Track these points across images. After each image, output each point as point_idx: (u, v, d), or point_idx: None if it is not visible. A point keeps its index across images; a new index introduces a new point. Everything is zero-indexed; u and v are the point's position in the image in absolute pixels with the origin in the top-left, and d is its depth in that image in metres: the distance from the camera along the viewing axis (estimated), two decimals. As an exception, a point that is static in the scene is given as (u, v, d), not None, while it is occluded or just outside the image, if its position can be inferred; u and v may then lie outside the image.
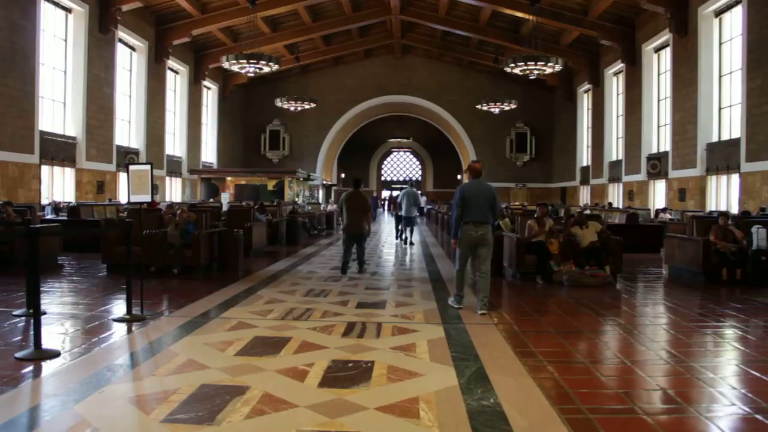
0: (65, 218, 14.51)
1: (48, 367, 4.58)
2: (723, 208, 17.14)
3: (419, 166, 51.54)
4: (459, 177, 44.00)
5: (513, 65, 20.27)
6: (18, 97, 15.78)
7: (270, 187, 29.09)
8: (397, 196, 16.17)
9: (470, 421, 3.56)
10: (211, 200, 25.41)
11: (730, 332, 6.20)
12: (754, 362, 4.94)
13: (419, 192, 46.55)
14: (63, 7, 18.57)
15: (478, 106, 29.92)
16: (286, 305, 7.14)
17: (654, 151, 22.60)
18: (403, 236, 16.55)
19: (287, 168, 32.39)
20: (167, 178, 25.37)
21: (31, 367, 4.55)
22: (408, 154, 51.64)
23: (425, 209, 35.59)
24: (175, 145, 26.88)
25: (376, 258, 13.31)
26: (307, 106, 29.79)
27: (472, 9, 25.49)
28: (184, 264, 9.91)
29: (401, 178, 51.01)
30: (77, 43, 19.02)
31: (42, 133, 16.95)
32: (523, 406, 3.81)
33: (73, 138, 18.91)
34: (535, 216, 10.23)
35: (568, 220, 10.39)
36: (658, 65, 22.77)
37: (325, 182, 37.36)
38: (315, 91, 32.76)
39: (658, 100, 22.77)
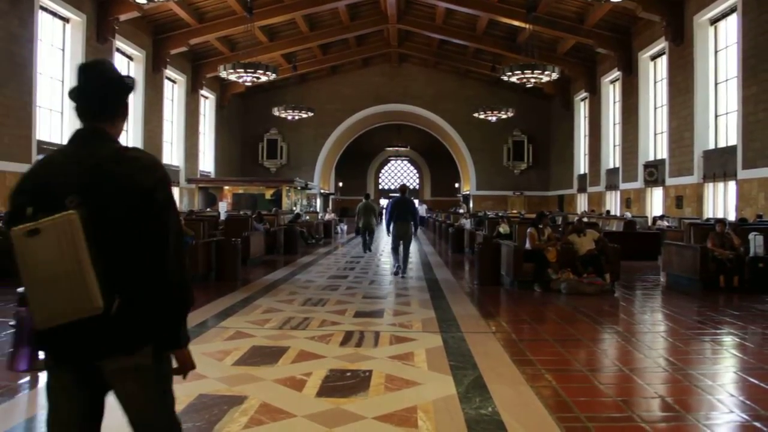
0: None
1: (44, 377, 4.55)
2: (720, 215, 17.17)
3: (417, 175, 51.60)
4: (457, 185, 44.04)
5: (510, 74, 20.33)
6: (15, 107, 15.78)
7: (268, 196, 29.08)
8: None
9: (468, 430, 3.55)
10: (208, 209, 25.39)
11: (728, 339, 6.21)
12: (753, 369, 4.93)
13: (416, 200, 46.74)
14: (60, 17, 18.60)
15: (475, 115, 29.98)
16: (284, 314, 7.13)
17: (651, 158, 22.65)
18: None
19: (285, 177, 32.40)
20: (165, 188, 25.34)
21: (27, 378, 4.53)
22: (405, 162, 51.70)
23: (425, 218, 35.56)
24: (172, 154, 26.87)
25: (374, 267, 13.30)
26: (304, 115, 29.83)
27: (468, 18, 25.58)
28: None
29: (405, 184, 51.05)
30: (75, 52, 19.03)
31: (39, 142, 16.93)
32: (521, 414, 3.80)
33: (71, 147, 18.90)
34: (537, 225, 10.22)
35: (567, 229, 10.41)
36: (655, 73, 22.85)
37: (322, 191, 37.36)
38: (312, 100, 32.82)
39: (655, 108, 22.84)
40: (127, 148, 1.90)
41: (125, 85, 1.99)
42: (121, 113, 2.00)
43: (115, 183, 1.80)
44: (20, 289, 1.78)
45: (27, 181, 1.86)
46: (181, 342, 1.91)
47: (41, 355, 1.91)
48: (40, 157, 2.18)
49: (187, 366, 1.94)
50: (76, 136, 1.90)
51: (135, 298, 1.80)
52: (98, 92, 1.92)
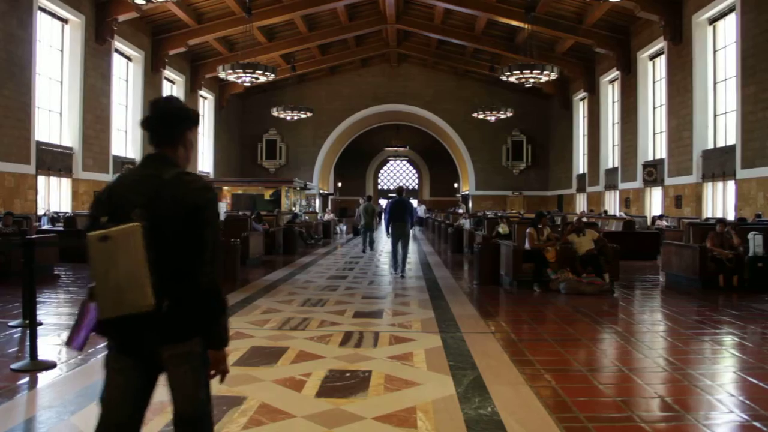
0: (61, 228, 14.48)
1: (44, 378, 4.56)
2: (719, 214, 17.18)
3: (416, 175, 51.57)
4: (456, 185, 44.04)
5: (509, 74, 20.32)
6: (14, 108, 15.76)
7: (267, 197, 29.05)
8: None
9: (468, 430, 3.55)
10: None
11: (727, 339, 6.21)
12: (752, 369, 4.94)
13: (415, 200, 46.79)
14: (59, 18, 18.58)
15: (474, 115, 29.97)
16: (283, 315, 7.13)
17: (650, 158, 22.66)
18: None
19: (284, 177, 32.37)
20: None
21: (27, 379, 4.53)
22: (405, 162, 51.67)
23: (424, 218, 35.59)
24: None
25: (373, 267, 13.29)
26: (303, 116, 29.81)
27: (467, 18, 25.57)
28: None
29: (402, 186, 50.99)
30: (74, 53, 19.03)
31: (38, 143, 16.92)
32: (520, 414, 3.80)
33: (70, 148, 18.89)
34: (537, 225, 10.21)
35: (566, 228, 10.41)
36: (653, 73, 22.86)
37: (321, 191, 37.35)
38: (311, 100, 32.81)
39: (654, 108, 22.85)
40: (186, 173, 2.26)
41: (186, 118, 2.36)
42: (181, 142, 2.35)
43: (173, 202, 2.16)
44: (91, 285, 2.12)
45: (104, 194, 2.27)
46: (215, 344, 2.25)
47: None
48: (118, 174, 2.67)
49: (220, 367, 2.28)
50: (146, 159, 2.31)
51: (182, 299, 2.13)
52: (161, 123, 2.32)
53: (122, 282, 2.04)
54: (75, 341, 2.18)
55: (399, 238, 11.62)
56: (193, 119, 2.40)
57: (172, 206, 2.15)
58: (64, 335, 6.10)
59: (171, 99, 2.40)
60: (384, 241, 12.22)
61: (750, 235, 9.71)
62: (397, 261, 11.60)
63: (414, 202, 45.16)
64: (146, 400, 2.29)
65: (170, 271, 2.12)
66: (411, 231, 11.96)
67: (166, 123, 2.33)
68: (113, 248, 2.05)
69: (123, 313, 2.06)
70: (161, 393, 4.17)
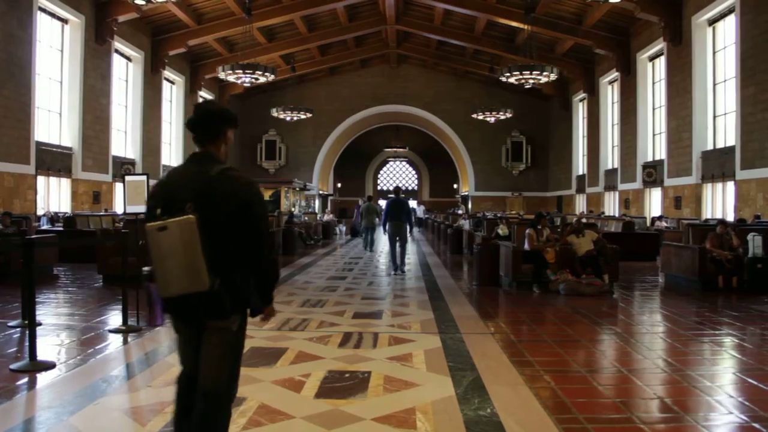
0: (61, 229, 14.47)
1: (43, 378, 4.55)
2: (719, 215, 17.18)
3: (415, 176, 51.56)
4: (455, 186, 44.05)
5: (508, 74, 20.31)
6: (14, 108, 15.76)
7: (266, 197, 29.04)
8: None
9: (467, 431, 3.55)
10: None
11: (727, 340, 6.21)
12: (751, 370, 4.94)
13: (414, 201, 46.78)
14: (59, 18, 18.58)
15: (474, 116, 29.96)
16: (283, 315, 7.12)
17: (649, 159, 22.66)
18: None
19: (283, 178, 32.35)
20: (163, 188, 25.31)
21: (26, 379, 4.52)
22: (404, 163, 51.65)
23: (423, 219, 35.60)
24: (171, 155, 26.86)
25: (372, 268, 13.30)
26: (303, 116, 29.80)
27: (467, 19, 25.57)
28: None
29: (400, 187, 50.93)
30: (73, 53, 19.03)
31: (38, 143, 16.92)
32: (520, 415, 3.80)
33: (69, 148, 18.89)
34: (536, 226, 10.21)
35: (565, 229, 10.40)
36: (653, 74, 22.87)
37: (321, 192, 37.34)
38: (311, 101, 32.80)
39: (653, 109, 22.85)
40: (229, 168, 2.57)
41: (226, 118, 2.68)
42: (223, 140, 2.68)
43: (221, 196, 2.48)
44: (146, 269, 2.79)
45: (157, 189, 2.61)
46: (271, 301, 2.72)
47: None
48: (168, 170, 2.99)
49: (271, 314, 2.76)
50: (193, 157, 2.64)
51: (230, 280, 2.48)
52: (205, 124, 2.64)
53: (181, 266, 2.37)
54: (157, 320, 2.80)
55: (397, 237, 11.95)
56: (232, 119, 2.72)
57: (221, 201, 2.48)
58: (63, 335, 6.10)
59: (212, 102, 2.79)
60: (384, 241, 12.55)
61: (749, 236, 9.71)
62: (396, 260, 11.87)
63: (413, 203, 45.32)
64: None
65: (220, 256, 2.45)
66: (409, 230, 12.21)
67: (209, 123, 2.64)
68: (171, 237, 2.38)
69: (182, 292, 2.41)
70: (161, 393, 4.17)
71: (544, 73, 20.11)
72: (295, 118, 29.92)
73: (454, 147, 36.76)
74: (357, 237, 24.21)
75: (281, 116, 29.45)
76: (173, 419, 2.73)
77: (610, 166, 26.68)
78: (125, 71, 23.05)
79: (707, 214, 18.21)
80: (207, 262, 2.38)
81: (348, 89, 34.65)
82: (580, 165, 30.79)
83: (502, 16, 23.24)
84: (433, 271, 12.43)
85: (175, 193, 2.50)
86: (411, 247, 17.79)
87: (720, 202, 17.94)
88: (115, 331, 6.18)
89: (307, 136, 34.66)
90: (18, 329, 6.24)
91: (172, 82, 26.72)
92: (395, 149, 45.35)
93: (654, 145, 22.80)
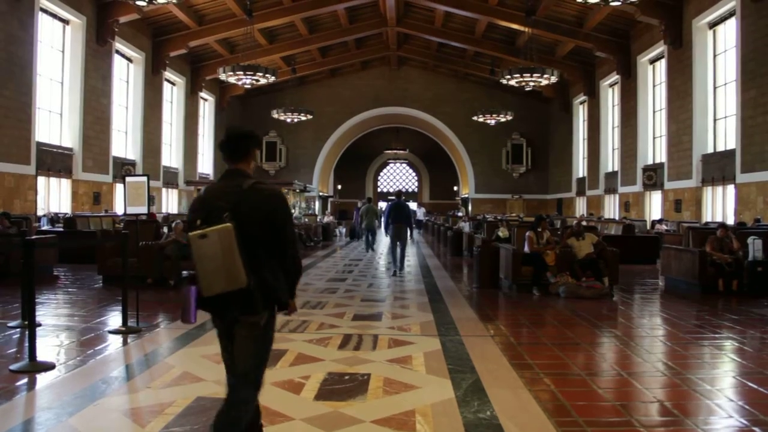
0: (61, 229, 14.47)
1: (43, 379, 4.55)
2: (719, 219, 17.16)
3: (416, 178, 51.56)
4: (455, 188, 44.04)
5: (509, 77, 20.32)
6: (15, 108, 15.77)
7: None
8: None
9: (467, 434, 3.55)
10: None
11: (727, 344, 6.21)
12: (751, 374, 4.93)
13: (415, 203, 46.76)
14: (61, 19, 18.59)
15: (474, 118, 29.94)
16: (282, 317, 7.11)
17: (650, 162, 22.65)
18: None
19: (284, 179, 32.32)
20: (164, 190, 25.32)
21: (25, 380, 4.52)
22: (404, 165, 51.65)
23: (423, 221, 35.60)
24: (171, 156, 26.85)
25: (372, 269, 13.29)
26: (303, 118, 29.80)
27: (467, 21, 25.59)
28: (180, 276, 9.89)
29: (401, 189, 50.89)
30: (74, 54, 19.03)
31: (38, 143, 16.92)
32: (519, 418, 3.80)
33: (70, 149, 18.89)
34: (536, 229, 10.19)
35: (565, 232, 10.40)
36: (653, 77, 22.87)
37: (321, 194, 37.33)
38: (311, 102, 32.79)
39: (654, 112, 22.85)
40: (258, 182, 2.95)
41: (252, 139, 3.13)
42: (251, 157, 3.09)
43: (252, 206, 2.85)
44: (185, 273, 3.85)
45: (197, 203, 3.00)
46: (293, 295, 3.02)
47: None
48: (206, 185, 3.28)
49: (293, 309, 3.03)
50: (227, 173, 3.02)
51: (261, 278, 2.80)
52: (234, 145, 3.05)
53: (221, 268, 2.69)
54: (190, 317, 2.85)
55: (397, 238, 12.30)
56: (257, 140, 3.22)
57: (253, 210, 2.84)
58: (63, 336, 6.09)
59: (240, 126, 3.25)
60: (385, 242, 12.82)
61: (749, 240, 9.70)
62: (396, 260, 12.20)
63: (413, 205, 45.30)
64: None
65: (253, 257, 2.77)
66: (409, 232, 12.63)
67: (239, 144, 3.06)
68: (212, 243, 2.70)
69: (224, 290, 2.71)
70: (161, 395, 4.17)
71: (545, 76, 20.12)
72: (295, 120, 29.92)
73: (454, 149, 36.75)
74: (356, 239, 24.21)
75: (282, 118, 29.44)
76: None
77: (610, 169, 26.68)
78: (126, 72, 23.06)
79: (707, 217, 18.20)
80: (243, 263, 2.70)
81: (348, 91, 34.65)
82: (580, 168, 30.78)
83: (503, 19, 23.25)
84: (433, 273, 12.43)
85: (213, 205, 2.84)
86: (411, 250, 17.81)
87: (720, 206, 17.93)
88: (115, 332, 6.18)
89: (307, 138, 34.66)
90: (18, 330, 6.24)
91: (172, 83, 26.72)
92: (395, 151, 45.34)
93: (654, 148, 22.80)
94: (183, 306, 2.87)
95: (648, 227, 19.14)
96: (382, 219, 16.06)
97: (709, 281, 9.59)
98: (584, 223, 14.18)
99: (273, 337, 2.99)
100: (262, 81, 20.95)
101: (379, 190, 51.14)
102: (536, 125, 34.81)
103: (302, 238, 19.06)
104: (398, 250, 12.29)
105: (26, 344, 4.98)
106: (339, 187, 46.23)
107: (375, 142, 44.11)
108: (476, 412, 3.90)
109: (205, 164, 30.89)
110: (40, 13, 17.06)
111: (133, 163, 22.73)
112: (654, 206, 22.39)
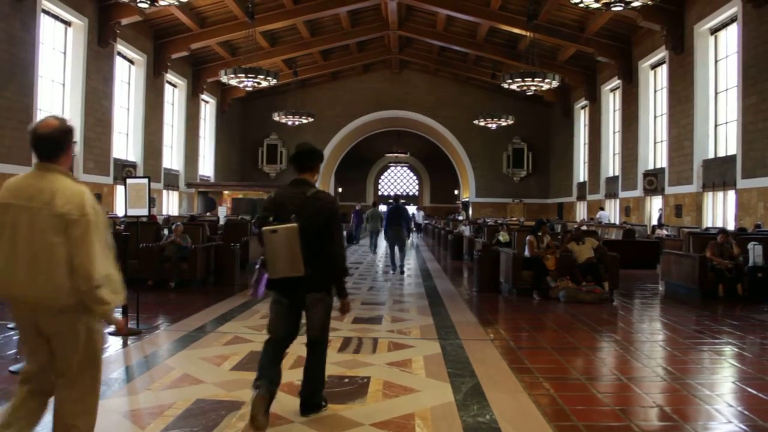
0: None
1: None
2: (719, 224, 17.16)
3: (416, 181, 51.57)
4: (456, 192, 44.04)
5: (510, 81, 20.34)
6: (16, 109, 15.78)
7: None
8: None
9: (466, 437, 3.54)
10: (208, 214, 25.36)
11: (726, 349, 6.20)
12: (751, 379, 4.93)
13: (414, 207, 46.72)
14: (62, 21, 18.61)
15: (475, 122, 29.97)
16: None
17: (651, 167, 22.65)
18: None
19: (284, 182, 32.28)
20: (164, 192, 25.32)
21: (25, 381, 4.51)
22: (405, 168, 51.66)
23: (422, 225, 35.60)
24: (172, 158, 26.86)
25: (372, 273, 13.29)
26: (304, 121, 29.82)
27: (469, 25, 25.62)
28: (180, 278, 9.89)
29: (401, 193, 50.81)
30: (76, 56, 19.05)
31: (39, 145, 16.92)
32: (519, 422, 3.80)
33: (71, 150, 18.89)
34: (536, 233, 10.20)
35: (566, 236, 10.40)
36: (655, 82, 22.88)
37: (322, 196, 37.33)
38: (313, 105, 32.81)
39: (655, 117, 22.85)
40: (320, 191, 3.75)
41: (318, 155, 3.92)
42: (315, 170, 3.86)
43: (313, 210, 3.61)
44: (263, 258, 3.61)
45: (270, 203, 3.77)
46: (343, 294, 3.79)
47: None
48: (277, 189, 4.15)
49: (346, 308, 3.85)
50: (295, 182, 3.81)
51: (318, 269, 3.59)
52: (303, 159, 3.84)
53: (286, 258, 3.44)
54: (258, 293, 3.65)
55: (396, 240, 13.11)
56: (322, 156, 3.98)
57: (314, 214, 3.59)
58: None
59: (308, 143, 4.00)
60: (386, 244, 13.28)
61: (750, 246, 9.70)
62: (395, 261, 13.05)
63: (413, 209, 45.28)
64: (296, 325, 3.77)
65: (312, 252, 3.51)
66: (408, 234, 13.53)
67: (307, 159, 3.83)
68: (280, 238, 3.43)
69: (285, 276, 3.49)
70: (160, 397, 4.17)
71: (546, 80, 20.15)
72: (296, 123, 29.94)
73: (455, 153, 36.77)
74: (352, 243, 24.23)
75: (283, 120, 29.46)
76: (260, 369, 3.67)
77: (610, 174, 26.68)
78: (127, 74, 23.08)
79: (708, 222, 18.19)
80: (303, 256, 3.44)
81: (350, 94, 34.68)
82: (581, 172, 30.79)
83: (504, 23, 23.28)
84: (433, 277, 12.42)
85: (283, 206, 3.62)
86: (411, 253, 17.83)
87: (721, 211, 17.92)
88: (115, 333, 6.18)
89: (308, 141, 34.59)
90: (17, 331, 6.23)
91: (174, 86, 26.75)
92: (396, 154, 45.37)
93: (655, 153, 22.80)
94: (254, 283, 3.63)
95: (648, 232, 19.13)
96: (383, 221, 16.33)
97: (709, 287, 9.60)
98: (584, 227, 14.16)
99: (332, 306, 3.80)
100: (264, 84, 20.98)
101: (380, 193, 51.15)
102: (537, 129, 34.81)
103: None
104: (397, 251, 13.10)
105: (26, 345, 4.97)
106: (340, 190, 46.26)
107: (376, 145, 44.12)
108: (476, 416, 3.90)
109: (206, 166, 30.89)
110: (42, 14, 17.07)
111: (134, 165, 22.74)
112: (654, 211, 22.38)
